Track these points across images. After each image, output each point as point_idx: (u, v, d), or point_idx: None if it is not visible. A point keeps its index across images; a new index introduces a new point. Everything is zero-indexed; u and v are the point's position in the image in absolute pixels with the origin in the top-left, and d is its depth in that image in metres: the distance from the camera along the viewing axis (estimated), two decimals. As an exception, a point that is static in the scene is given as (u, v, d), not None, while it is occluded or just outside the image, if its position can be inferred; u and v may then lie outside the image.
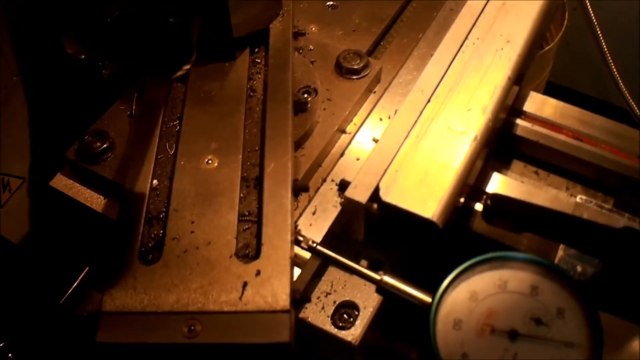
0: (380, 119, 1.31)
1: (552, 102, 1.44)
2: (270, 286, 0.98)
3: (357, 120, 1.31)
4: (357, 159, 1.25)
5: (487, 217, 1.14)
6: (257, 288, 0.98)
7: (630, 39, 2.50)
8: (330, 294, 1.10)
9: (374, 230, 1.12)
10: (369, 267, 1.07)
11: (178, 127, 1.22)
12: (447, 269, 0.99)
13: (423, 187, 1.07)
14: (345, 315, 1.08)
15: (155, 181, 1.14)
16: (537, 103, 1.43)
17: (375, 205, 1.07)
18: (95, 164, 1.22)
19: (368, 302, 1.08)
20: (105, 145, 1.23)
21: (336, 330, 1.06)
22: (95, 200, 1.23)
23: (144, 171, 1.15)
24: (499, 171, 1.36)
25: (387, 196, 1.06)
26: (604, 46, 2.00)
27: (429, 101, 1.18)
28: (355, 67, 1.32)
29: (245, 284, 0.98)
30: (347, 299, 1.09)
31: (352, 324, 1.06)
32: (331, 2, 1.53)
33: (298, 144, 1.22)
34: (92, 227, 1.26)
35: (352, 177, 1.10)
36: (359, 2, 1.52)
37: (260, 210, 1.08)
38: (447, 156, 1.10)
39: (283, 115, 1.19)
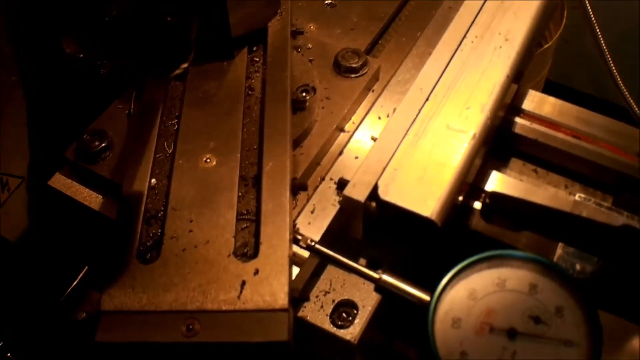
0: (379, 118, 1.31)
1: (550, 100, 1.44)
2: (269, 285, 0.98)
3: (355, 118, 1.31)
4: (356, 158, 1.25)
5: (485, 216, 1.14)
6: (256, 287, 0.98)
7: (629, 37, 2.50)
8: (329, 292, 1.10)
9: (372, 228, 1.12)
10: (368, 266, 1.07)
11: (176, 126, 1.22)
12: (446, 268, 0.99)
13: (422, 186, 1.07)
14: (344, 314, 1.08)
15: (153, 180, 1.14)
16: (535, 101, 1.44)
17: (374, 204, 1.07)
18: (94, 164, 1.22)
19: (367, 301, 1.09)
20: (103, 145, 1.23)
21: (335, 329, 1.06)
22: (93, 200, 1.23)
23: (143, 170, 1.15)
24: (498, 169, 1.36)
25: (385, 195, 1.06)
26: (603, 44, 2.00)
27: (427, 99, 1.18)
28: (353, 65, 1.32)
29: (243, 283, 0.98)
30: (345, 297, 1.09)
31: (351, 322, 1.07)
32: (330, 1, 1.53)
33: (297, 143, 1.22)
34: (91, 226, 1.26)
35: (350, 176, 1.10)
36: (357, 1, 1.52)
37: (258, 209, 1.08)
38: (446, 154, 1.10)
39: (281, 114, 1.19)
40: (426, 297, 0.98)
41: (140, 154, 1.17)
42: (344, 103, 1.29)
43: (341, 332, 1.06)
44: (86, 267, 1.27)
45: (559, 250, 1.20)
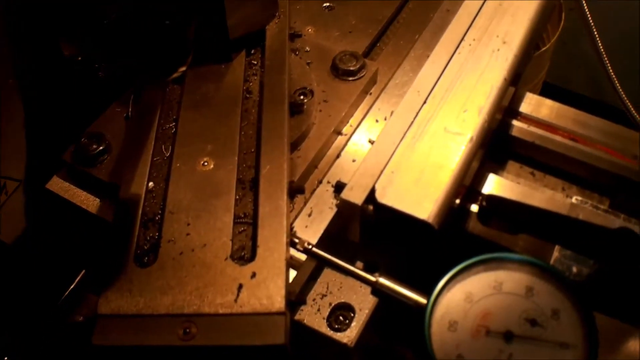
0: (377, 121, 1.31)
1: (548, 102, 1.44)
2: (266, 288, 0.98)
3: (353, 121, 1.31)
4: (353, 161, 1.25)
5: (482, 218, 1.14)
6: (253, 290, 0.98)
7: (627, 39, 2.50)
8: (326, 295, 1.10)
9: (370, 231, 1.12)
10: (365, 269, 1.08)
11: (174, 129, 1.22)
12: (443, 270, 0.99)
13: (419, 189, 1.07)
14: (341, 317, 1.08)
15: (151, 183, 1.14)
16: (533, 104, 1.44)
17: (371, 207, 1.07)
18: (92, 167, 1.22)
19: (364, 304, 1.09)
20: (101, 148, 1.23)
21: (332, 332, 1.06)
22: (91, 203, 1.23)
23: (140, 173, 1.15)
24: (495, 172, 1.36)
25: (383, 198, 1.06)
26: (601, 46, 2.00)
27: (425, 102, 1.18)
28: (351, 68, 1.32)
29: (240, 286, 0.98)
30: (342, 300, 1.09)
31: (348, 325, 1.07)
32: (328, 4, 1.53)
33: (294, 146, 1.22)
34: (89, 229, 1.27)
35: (348, 179, 1.10)
36: (355, 3, 1.52)
37: (255, 212, 1.08)
38: (443, 157, 1.10)
39: (279, 117, 1.19)
40: (423, 300, 0.98)
41: (137, 157, 1.17)
42: (342, 106, 1.29)
43: (338, 335, 1.06)
44: (83, 271, 1.27)
45: (556, 252, 1.20)
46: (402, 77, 1.34)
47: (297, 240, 1.10)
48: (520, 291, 0.97)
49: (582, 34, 1.92)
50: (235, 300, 0.97)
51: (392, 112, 1.22)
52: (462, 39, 1.28)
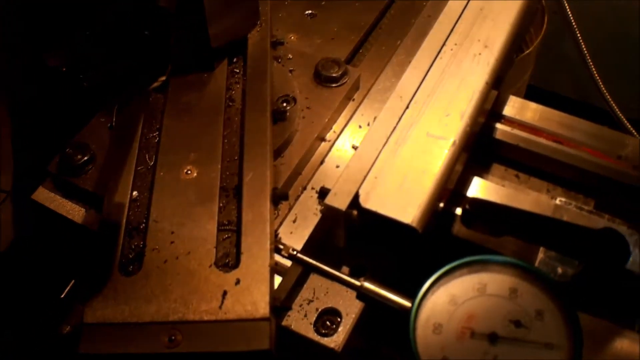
0: (360, 126, 1.31)
1: (531, 105, 1.45)
2: (250, 294, 0.98)
3: (336, 127, 1.32)
4: (337, 167, 1.26)
5: (466, 222, 1.14)
6: (237, 297, 0.98)
7: (610, 41, 2.51)
8: (312, 301, 1.10)
9: (354, 236, 1.12)
10: (351, 274, 1.08)
11: (157, 139, 1.22)
12: (428, 274, 0.99)
13: (402, 193, 1.07)
14: (327, 322, 1.08)
15: (135, 192, 1.15)
16: (516, 107, 1.44)
17: (355, 212, 1.08)
18: (77, 177, 1.23)
19: (350, 308, 1.09)
20: (86, 158, 1.23)
21: (319, 337, 1.06)
22: (77, 213, 1.23)
23: (124, 183, 1.15)
24: (480, 175, 1.37)
25: (366, 202, 1.07)
26: (584, 48, 2.01)
27: (407, 107, 1.19)
28: (333, 75, 1.33)
29: (225, 293, 0.99)
30: (329, 305, 1.09)
31: (335, 330, 1.07)
32: (310, 11, 1.53)
33: (278, 153, 1.23)
34: (76, 239, 1.27)
35: (332, 185, 1.11)
36: (337, 11, 1.53)
37: (239, 219, 1.08)
38: (426, 162, 1.11)
39: (261, 125, 1.19)
40: (407, 304, 0.99)
41: (121, 167, 1.17)
42: (325, 112, 1.30)
43: (325, 340, 1.06)
44: (73, 281, 1.28)
45: (541, 254, 1.20)
46: (384, 82, 1.35)
47: (281, 247, 1.10)
48: (504, 293, 0.97)
49: (566, 37, 1.93)
50: (220, 307, 0.97)
51: (375, 118, 1.22)
52: (444, 44, 1.29)
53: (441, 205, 1.14)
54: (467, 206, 1.13)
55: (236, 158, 1.18)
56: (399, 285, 1.03)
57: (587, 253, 1.12)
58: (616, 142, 1.37)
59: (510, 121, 1.43)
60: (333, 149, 1.29)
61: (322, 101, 1.32)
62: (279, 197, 1.18)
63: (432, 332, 0.95)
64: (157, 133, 1.23)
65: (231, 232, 1.08)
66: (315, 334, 1.06)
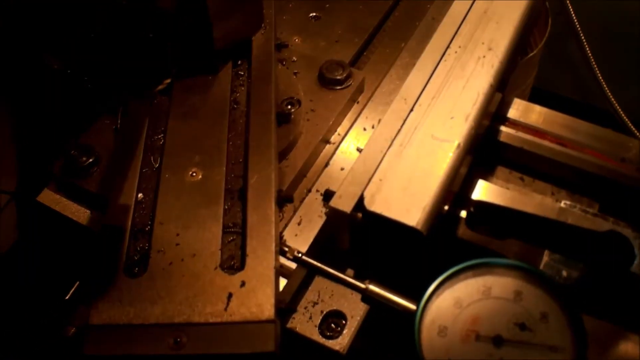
0: (364, 129, 1.32)
1: (535, 108, 1.44)
2: (255, 297, 0.99)
3: (340, 130, 1.32)
4: (342, 169, 1.26)
5: (471, 224, 1.14)
6: (242, 299, 0.99)
7: (614, 42, 2.51)
8: (317, 303, 1.10)
9: (359, 239, 1.12)
10: (356, 276, 1.08)
11: (162, 141, 1.22)
12: (432, 276, 0.99)
13: (407, 196, 1.07)
14: (332, 325, 1.08)
15: (140, 194, 1.15)
16: (520, 109, 1.44)
17: (360, 215, 1.08)
18: (81, 179, 1.23)
19: (355, 311, 1.09)
20: (90, 160, 1.23)
21: (324, 339, 1.06)
22: (82, 215, 1.23)
23: (129, 185, 1.16)
24: (485, 178, 1.36)
25: (371, 205, 1.07)
26: (588, 50, 2.01)
27: (412, 110, 1.19)
28: (338, 77, 1.33)
29: (230, 295, 0.99)
30: (334, 308, 1.09)
31: (340, 333, 1.07)
32: (314, 14, 1.54)
33: (282, 155, 1.23)
34: (81, 241, 1.27)
35: (336, 187, 1.11)
36: (341, 13, 1.53)
37: (244, 221, 1.09)
38: (431, 164, 1.11)
39: (266, 127, 1.20)
40: (412, 306, 0.99)
41: (127, 169, 1.17)
42: (329, 115, 1.30)
43: (330, 343, 1.06)
44: (77, 282, 1.28)
45: (545, 257, 1.20)
46: (388, 85, 1.35)
47: (286, 249, 1.10)
48: (508, 296, 0.97)
49: (569, 39, 1.93)
50: (225, 309, 0.98)
51: (379, 120, 1.22)
52: (448, 46, 1.29)
53: (446, 207, 1.14)
54: (471, 209, 1.13)
55: (241, 160, 1.18)
56: (403, 288, 1.04)
57: (591, 256, 1.12)
58: (620, 145, 1.36)
59: (514, 124, 1.42)
60: (338, 152, 1.30)
61: (327, 103, 1.32)
62: (284, 199, 1.18)
63: (437, 335, 0.95)
64: (162, 135, 1.23)
65: (236, 235, 1.08)
66: (320, 336, 1.07)
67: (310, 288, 1.12)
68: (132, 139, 1.22)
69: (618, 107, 2.12)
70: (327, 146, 1.30)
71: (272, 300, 0.98)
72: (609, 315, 1.09)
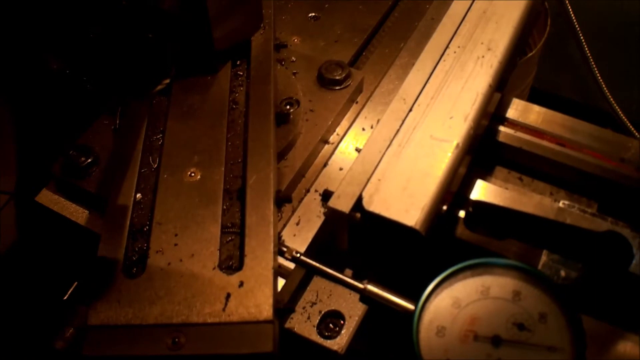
0: (363, 129, 1.32)
1: (534, 108, 1.45)
2: (254, 297, 0.99)
3: (339, 130, 1.33)
4: (341, 169, 1.26)
5: (469, 224, 1.14)
6: (241, 299, 0.98)
7: (613, 43, 2.51)
8: (315, 303, 1.10)
9: (358, 239, 1.12)
10: (354, 276, 1.08)
11: (161, 141, 1.22)
12: (431, 276, 0.99)
13: (406, 196, 1.07)
14: (331, 325, 1.08)
15: (139, 195, 1.15)
16: (519, 109, 1.44)
17: (358, 215, 1.08)
18: (80, 179, 1.23)
19: (353, 311, 1.09)
20: (89, 160, 1.23)
21: (322, 339, 1.06)
22: (80, 215, 1.24)
23: (128, 185, 1.16)
24: (483, 178, 1.36)
25: (370, 205, 1.07)
26: (587, 51, 2.01)
27: (410, 110, 1.19)
28: (337, 77, 1.33)
29: (228, 296, 0.99)
30: (332, 308, 1.09)
31: (338, 333, 1.07)
32: (313, 14, 1.54)
33: (281, 155, 1.23)
34: (79, 241, 1.27)
35: (335, 187, 1.11)
36: (341, 13, 1.54)
37: (242, 221, 1.09)
38: (430, 164, 1.11)
39: (265, 127, 1.20)
40: (411, 307, 0.99)
41: (125, 169, 1.17)
42: (328, 115, 1.30)
43: (328, 343, 1.06)
44: (76, 282, 1.28)
45: (544, 257, 1.20)
46: (387, 85, 1.35)
47: (285, 249, 1.11)
48: (507, 296, 0.97)
49: (569, 39, 1.93)
50: (224, 310, 0.98)
51: (378, 120, 1.22)
52: (447, 46, 1.29)
53: (444, 208, 1.14)
54: (470, 209, 1.13)
55: (240, 160, 1.18)
56: (402, 288, 1.04)
57: (590, 256, 1.12)
58: (619, 145, 1.36)
59: (513, 124, 1.42)
60: (336, 152, 1.30)
61: (326, 104, 1.32)
62: (282, 199, 1.18)
63: (435, 335, 0.95)
64: (161, 135, 1.23)
65: (235, 235, 1.08)
66: (319, 336, 1.07)
67: (308, 288, 1.12)
68: (130, 139, 1.22)
69: (617, 108, 2.13)
70: (326, 146, 1.30)
71: (271, 301, 0.98)
72: (607, 315, 1.09)
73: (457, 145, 1.13)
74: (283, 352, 1.00)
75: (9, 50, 1.28)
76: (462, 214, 1.16)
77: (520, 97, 1.49)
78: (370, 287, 1.04)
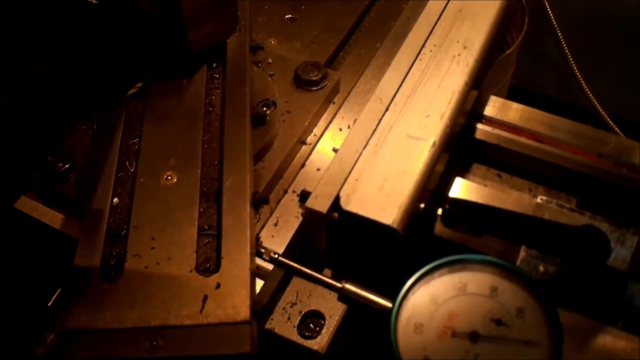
0: (340, 129, 1.32)
1: (512, 105, 1.45)
2: (231, 298, 0.99)
3: (317, 131, 1.33)
4: (318, 170, 1.26)
5: (447, 222, 1.15)
6: (218, 301, 0.99)
7: (592, 38, 2.52)
8: (295, 304, 1.10)
9: (336, 239, 1.13)
10: (334, 276, 1.08)
11: (138, 145, 1.23)
12: (410, 275, 0.99)
13: (383, 195, 1.07)
14: (311, 325, 1.08)
15: (115, 199, 1.15)
16: (497, 107, 1.44)
17: (336, 215, 1.08)
18: (59, 184, 1.23)
19: (333, 310, 1.09)
20: (67, 166, 1.23)
21: (303, 339, 1.06)
22: (59, 221, 1.23)
23: (105, 190, 1.16)
24: (463, 176, 1.36)
25: (347, 205, 1.07)
26: (565, 47, 2.02)
27: (387, 109, 1.19)
28: (313, 78, 1.34)
29: (205, 298, 0.99)
30: (312, 308, 1.09)
31: (319, 333, 1.07)
32: (290, 15, 1.54)
33: (258, 157, 1.24)
34: (60, 247, 1.27)
35: (313, 188, 1.11)
36: (317, 14, 1.54)
37: (219, 224, 1.09)
38: (406, 163, 1.11)
39: (241, 129, 1.20)
40: (388, 304, 0.99)
41: (102, 174, 1.18)
42: (305, 116, 1.30)
43: (309, 343, 1.06)
44: (59, 289, 1.28)
45: (522, 252, 1.20)
46: (364, 85, 1.35)
47: (263, 250, 1.11)
48: (484, 291, 0.98)
49: (547, 36, 1.93)
50: (201, 311, 0.98)
51: (355, 120, 1.22)
52: (423, 45, 1.29)
53: (422, 206, 1.14)
54: (447, 206, 1.14)
55: (216, 163, 1.18)
56: (381, 287, 1.04)
57: (568, 251, 1.12)
58: (598, 140, 1.37)
59: (491, 121, 1.42)
60: (314, 152, 1.30)
61: (302, 105, 1.32)
62: (260, 201, 1.19)
63: (413, 332, 0.95)
64: (138, 139, 1.23)
65: (212, 237, 1.09)
66: (299, 336, 1.07)
67: (288, 289, 1.12)
68: (107, 143, 1.22)
69: (596, 103, 2.14)
70: (303, 147, 1.30)
71: (248, 302, 0.98)
72: (586, 309, 1.10)
73: (434, 143, 1.13)
74: (264, 354, 1.01)
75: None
76: (439, 212, 1.17)
77: (498, 94, 1.50)
78: (348, 286, 1.04)
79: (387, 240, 1.06)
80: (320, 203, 1.08)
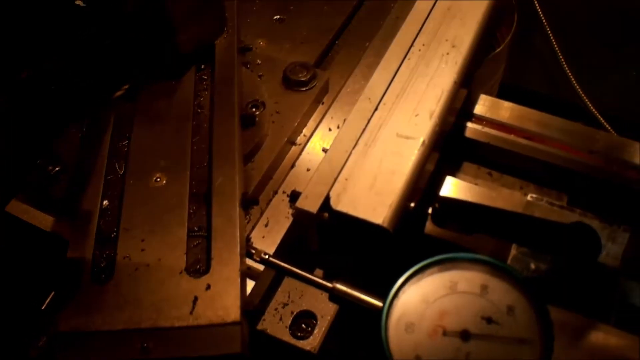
0: (330, 129, 1.32)
1: (503, 104, 1.45)
2: (221, 299, 0.99)
3: (306, 131, 1.33)
4: (308, 170, 1.26)
5: (437, 221, 1.15)
6: (208, 302, 0.99)
7: (582, 36, 2.52)
8: (287, 304, 1.10)
9: (326, 238, 1.13)
10: (325, 276, 1.08)
11: (127, 147, 1.22)
12: (401, 274, 0.99)
13: (373, 194, 1.07)
14: (303, 325, 1.08)
15: (105, 201, 1.15)
16: (487, 105, 1.45)
17: (326, 214, 1.08)
18: (49, 187, 1.23)
19: (325, 310, 1.09)
20: (57, 169, 1.23)
21: (295, 340, 1.07)
22: (50, 224, 1.23)
23: (94, 192, 1.16)
24: (453, 174, 1.37)
25: (337, 204, 1.07)
26: (555, 45, 2.02)
27: (376, 109, 1.19)
28: (302, 79, 1.34)
29: (195, 299, 0.99)
30: (304, 308, 1.10)
31: (311, 333, 1.07)
32: (278, 16, 1.54)
33: (248, 158, 1.23)
34: (52, 249, 1.27)
35: (303, 188, 1.11)
36: (306, 15, 1.54)
37: (209, 225, 1.09)
38: (396, 162, 1.11)
39: (230, 130, 1.20)
40: (379, 304, 0.99)
41: (92, 176, 1.18)
42: (294, 116, 1.30)
43: (301, 343, 1.06)
44: (53, 292, 1.28)
45: (513, 250, 1.21)
46: (353, 85, 1.35)
47: (254, 251, 1.11)
48: (475, 290, 0.98)
49: (537, 33, 1.94)
50: (191, 313, 0.98)
51: (344, 120, 1.22)
52: (412, 44, 1.29)
53: (412, 205, 1.14)
54: (436, 205, 1.14)
55: (205, 164, 1.18)
56: (372, 286, 1.04)
57: (559, 248, 1.12)
58: (588, 138, 1.37)
59: (481, 119, 1.43)
60: (303, 153, 1.30)
61: (292, 105, 1.32)
62: (249, 202, 1.19)
63: (404, 332, 0.95)
64: (127, 141, 1.23)
65: (201, 238, 1.09)
66: (291, 337, 1.07)
67: (280, 289, 1.12)
68: (96, 146, 1.22)
69: (587, 100, 2.14)
70: (293, 147, 1.31)
71: (238, 303, 0.98)
72: (577, 306, 1.10)
73: (423, 142, 1.14)
74: (257, 354, 1.01)
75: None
76: (430, 210, 1.17)
77: (489, 92, 1.50)
78: (339, 286, 1.04)
79: (378, 239, 1.06)
80: (310, 203, 1.08)
